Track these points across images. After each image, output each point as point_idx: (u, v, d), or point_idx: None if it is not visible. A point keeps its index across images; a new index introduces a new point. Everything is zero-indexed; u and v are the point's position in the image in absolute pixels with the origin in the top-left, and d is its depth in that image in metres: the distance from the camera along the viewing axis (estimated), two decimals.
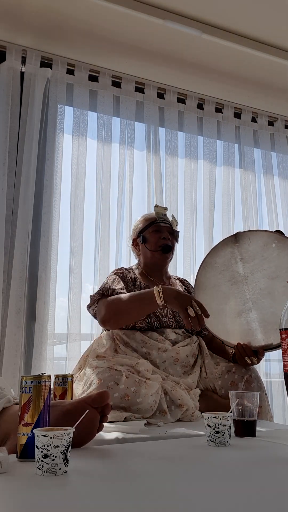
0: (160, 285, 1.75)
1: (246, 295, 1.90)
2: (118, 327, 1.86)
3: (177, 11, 2.48)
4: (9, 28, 2.51)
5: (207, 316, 1.68)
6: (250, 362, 1.85)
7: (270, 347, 1.83)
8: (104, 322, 1.87)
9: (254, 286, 1.89)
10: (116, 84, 2.85)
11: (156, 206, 2.15)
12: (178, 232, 2.16)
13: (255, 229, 1.95)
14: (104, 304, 1.85)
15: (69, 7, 2.40)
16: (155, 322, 1.89)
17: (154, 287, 1.75)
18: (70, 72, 2.72)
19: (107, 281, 1.98)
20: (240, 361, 1.87)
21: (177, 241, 2.14)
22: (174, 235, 2.12)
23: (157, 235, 2.06)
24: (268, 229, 1.94)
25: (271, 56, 2.74)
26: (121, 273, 2.01)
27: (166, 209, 2.16)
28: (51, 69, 2.65)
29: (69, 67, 2.71)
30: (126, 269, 2.08)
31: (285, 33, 2.66)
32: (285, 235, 1.93)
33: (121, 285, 1.93)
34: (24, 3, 2.36)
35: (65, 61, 2.70)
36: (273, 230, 1.97)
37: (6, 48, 2.56)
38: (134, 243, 2.16)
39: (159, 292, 1.72)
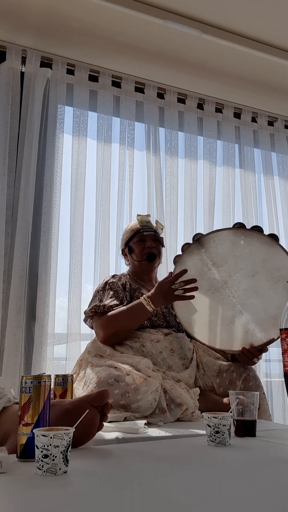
0: (146, 296, 1.87)
1: (232, 299, 1.84)
2: (118, 342, 1.91)
3: (177, 11, 2.48)
4: (9, 28, 2.51)
5: (194, 281, 1.80)
6: (257, 361, 1.88)
7: (274, 341, 1.83)
8: (105, 342, 1.92)
9: (236, 289, 1.84)
10: (116, 84, 2.85)
11: (138, 215, 2.19)
12: (162, 238, 2.21)
13: (213, 230, 1.90)
14: (100, 325, 1.92)
15: (69, 7, 2.40)
16: (146, 322, 1.96)
17: (142, 298, 1.87)
18: (70, 72, 2.72)
19: (96, 294, 2.03)
20: (245, 362, 1.89)
21: (163, 246, 2.20)
22: (159, 241, 2.17)
23: (141, 245, 2.12)
24: (230, 227, 1.88)
25: (271, 56, 2.74)
26: (111, 283, 2.06)
27: (148, 216, 2.21)
28: (51, 69, 2.65)
29: (69, 67, 2.71)
30: (117, 276, 2.13)
31: (285, 33, 2.66)
32: (249, 227, 1.89)
33: (111, 296, 1.98)
34: (24, 3, 2.36)
35: (65, 61, 2.70)
36: (232, 225, 1.90)
37: (6, 48, 2.56)
38: (123, 252, 2.24)
39: (147, 302, 1.85)
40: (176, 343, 1.91)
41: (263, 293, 1.83)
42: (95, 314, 1.95)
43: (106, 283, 2.07)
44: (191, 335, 1.90)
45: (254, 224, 1.97)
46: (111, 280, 2.08)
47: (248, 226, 1.90)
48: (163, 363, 1.84)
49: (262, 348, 1.84)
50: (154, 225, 2.20)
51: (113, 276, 2.13)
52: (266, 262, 1.83)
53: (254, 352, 1.83)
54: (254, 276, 1.84)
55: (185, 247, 1.87)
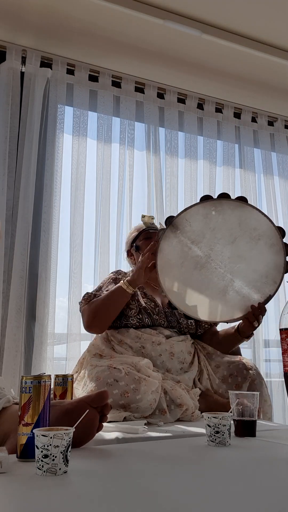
0: (125, 279, 1.92)
1: (220, 270, 1.87)
2: (102, 328, 1.94)
3: (177, 11, 2.48)
4: (9, 28, 2.51)
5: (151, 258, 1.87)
6: (257, 325, 1.90)
7: (271, 298, 1.87)
8: (89, 328, 1.95)
9: (221, 259, 1.87)
10: (116, 84, 2.85)
11: (143, 216, 2.22)
12: None
13: (182, 209, 1.91)
14: (84, 311, 1.97)
15: (69, 7, 2.40)
16: (146, 319, 1.96)
17: (121, 282, 1.92)
18: (70, 72, 2.72)
19: (99, 285, 2.08)
20: (247, 328, 1.92)
21: None
22: None
23: (148, 241, 2.15)
24: (197, 202, 1.92)
25: (271, 56, 2.74)
26: (115, 277, 2.09)
27: (152, 217, 2.24)
28: (51, 69, 2.65)
29: (69, 67, 2.71)
30: (121, 271, 2.16)
31: (285, 33, 2.66)
32: (217, 199, 1.92)
33: (109, 288, 2.00)
34: (24, 3, 2.36)
35: (65, 61, 2.70)
36: (199, 200, 1.92)
37: (6, 48, 2.56)
38: (129, 254, 2.25)
39: (126, 285, 1.90)
40: (177, 347, 1.90)
41: (247, 256, 1.86)
42: (86, 303, 1.98)
43: (109, 277, 2.11)
44: (192, 317, 1.93)
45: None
46: (114, 276, 2.10)
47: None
48: (161, 366, 1.84)
49: (261, 308, 1.86)
50: (158, 226, 2.21)
51: (117, 272, 2.15)
52: (242, 225, 1.87)
53: (255, 312, 1.86)
54: (234, 242, 1.87)
55: (161, 233, 1.90)
